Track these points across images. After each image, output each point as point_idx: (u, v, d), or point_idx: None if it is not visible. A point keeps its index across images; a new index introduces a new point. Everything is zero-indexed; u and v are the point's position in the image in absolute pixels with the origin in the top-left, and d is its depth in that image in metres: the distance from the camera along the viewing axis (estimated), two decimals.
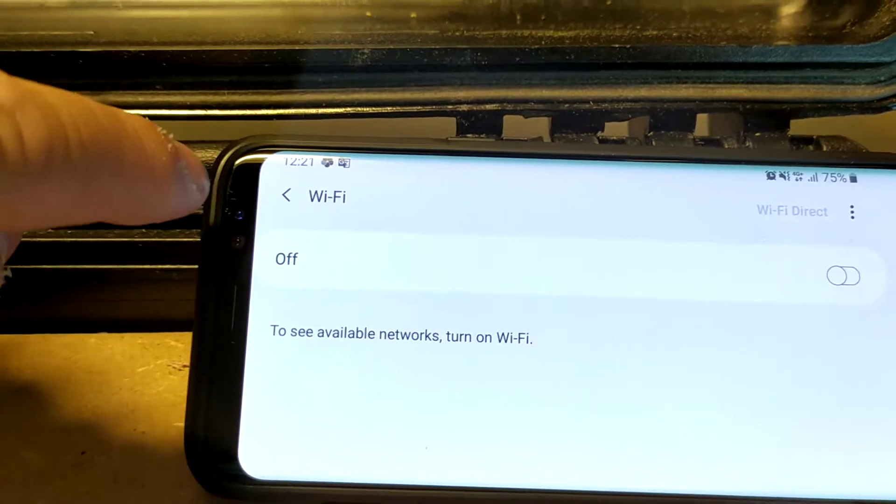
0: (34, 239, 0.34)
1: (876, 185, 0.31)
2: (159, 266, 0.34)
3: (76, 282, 0.34)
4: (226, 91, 0.35)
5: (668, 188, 0.31)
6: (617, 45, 0.36)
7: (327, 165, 0.31)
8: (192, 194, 0.26)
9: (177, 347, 0.34)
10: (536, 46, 0.36)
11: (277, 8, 0.41)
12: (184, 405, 0.29)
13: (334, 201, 0.31)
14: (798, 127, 0.37)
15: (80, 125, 0.20)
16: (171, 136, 0.24)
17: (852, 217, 0.31)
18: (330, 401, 0.29)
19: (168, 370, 0.33)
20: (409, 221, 0.31)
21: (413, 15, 0.41)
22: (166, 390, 0.33)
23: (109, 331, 0.34)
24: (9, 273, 0.24)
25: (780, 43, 0.38)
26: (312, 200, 0.31)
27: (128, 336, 0.34)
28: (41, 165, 0.19)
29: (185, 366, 0.33)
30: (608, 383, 0.30)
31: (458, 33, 0.38)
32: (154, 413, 0.32)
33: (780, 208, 0.31)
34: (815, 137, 0.36)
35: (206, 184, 0.27)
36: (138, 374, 0.33)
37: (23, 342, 0.34)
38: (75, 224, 0.22)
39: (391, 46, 0.35)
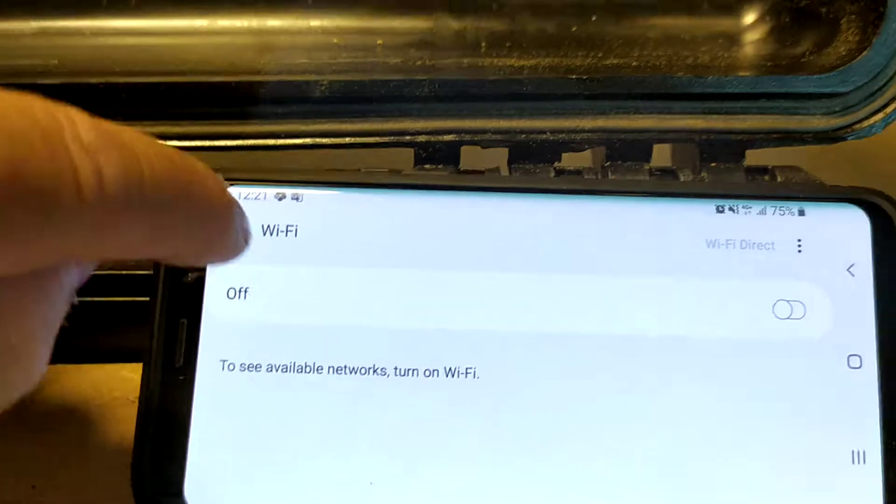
0: None
1: (823, 219, 0.31)
2: (114, 298, 0.34)
3: None
4: (185, 122, 0.36)
5: (618, 222, 0.31)
6: (573, 77, 0.36)
7: (280, 199, 0.31)
8: (241, 243, 0.26)
9: (132, 380, 0.34)
10: (494, 77, 0.36)
11: (247, 35, 0.42)
12: None
13: (286, 235, 0.31)
14: (755, 156, 0.37)
15: (155, 163, 0.21)
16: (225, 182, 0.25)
17: (799, 251, 0.31)
18: (277, 436, 0.30)
19: (123, 402, 0.33)
20: (359, 256, 0.31)
21: (380, 42, 0.41)
22: (121, 422, 0.33)
23: (65, 362, 0.35)
24: (76, 301, 0.24)
25: (739, 71, 0.38)
26: (265, 235, 0.31)
27: (84, 367, 0.35)
28: (118, 201, 0.20)
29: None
30: (554, 418, 0.30)
31: (419, 62, 0.39)
32: (107, 446, 0.32)
33: (729, 242, 0.31)
34: (770, 167, 0.36)
35: (251, 233, 0.27)
36: (93, 406, 0.33)
37: None
38: (140, 259, 0.23)
39: (350, 78, 0.36)
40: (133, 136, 0.21)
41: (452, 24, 0.42)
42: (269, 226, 0.31)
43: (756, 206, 0.32)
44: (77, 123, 0.20)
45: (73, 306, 0.24)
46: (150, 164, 0.21)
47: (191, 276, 0.30)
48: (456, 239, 0.31)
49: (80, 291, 0.34)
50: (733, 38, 0.42)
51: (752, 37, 0.41)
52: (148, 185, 0.21)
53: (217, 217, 0.24)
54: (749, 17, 0.42)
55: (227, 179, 0.30)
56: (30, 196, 0.19)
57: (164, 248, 0.23)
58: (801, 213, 0.32)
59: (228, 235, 0.25)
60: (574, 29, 0.42)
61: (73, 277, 0.24)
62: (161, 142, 0.22)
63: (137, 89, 0.35)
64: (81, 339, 0.33)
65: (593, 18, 0.42)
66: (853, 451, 0.30)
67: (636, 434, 0.30)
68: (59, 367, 0.34)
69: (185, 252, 0.24)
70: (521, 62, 0.39)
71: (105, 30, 0.42)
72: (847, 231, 0.31)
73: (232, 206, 0.25)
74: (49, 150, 0.19)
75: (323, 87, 0.35)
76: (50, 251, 0.20)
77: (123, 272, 0.34)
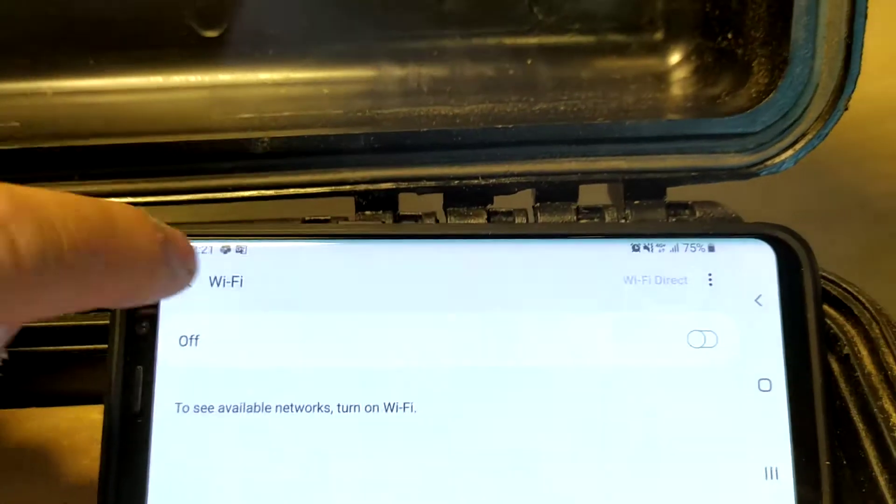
0: None
1: (732, 254, 0.34)
2: (80, 347, 0.36)
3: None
4: (138, 179, 0.38)
5: (543, 262, 0.34)
6: (500, 126, 0.38)
7: (226, 252, 0.33)
8: (181, 278, 0.27)
9: (100, 420, 0.36)
10: (427, 128, 0.38)
11: (199, 90, 0.44)
12: None
13: (232, 286, 0.33)
14: (676, 192, 0.39)
15: (73, 229, 0.21)
16: (161, 224, 0.25)
17: (710, 284, 0.34)
18: (230, 473, 0.32)
19: (91, 442, 0.35)
20: (301, 302, 0.33)
21: (325, 91, 0.44)
22: (89, 461, 0.35)
23: (35, 406, 0.36)
24: (5, 356, 0.26)
25: (661, 111, 0.41)
26: (212, 286, 0.33)
27: (54, 410, 0.36)
28: (35, 272, 0.20)
29: None
30: (488, 448, 0.32)
31: (359, 113, 0.41)
32: (76, 484, 0.34)
33: (644, 278, 0.34)
34: (689, 203, 0.38)
35: (195, 265, 0.27)
36: (65, 447, 0.35)
37: None
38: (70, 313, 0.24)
39: (290, 134, 0.38)
40: (48, 199, 0.21)
41: (396, 71, 0.44)
42: (216, 277, 0.33)
43: (669, 243, 0.34)
44: None
45: (3, 360, 0.26)
46: (67, 230, 0.21)
47: (144, 328, 0.32)
48: (391, 282, 0.33)
49: (49, 340, 0.36)
50: (660, 77, 0.44)
51: (676, 76, 0.44)
52: (66, 251, 0.21)
53: (143, 267, 0.24)
54: (675, 57, 0.44)
55: None
56: None
57: (94, 301, 0.24)
58: (712, 249, 0.34)
59: (157, 280, 0.25)
60: (511, 72, 0.44)
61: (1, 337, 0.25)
62: (81, 198, 0.23)
63: (94, 151, 0.37)
64: (48, 384, 0.36)
65: (529, 62, 0.44)
66: (766, 468, 0.32)
67: (565, 461, 0.32)
68: (30, 409, 0.36)
69: (117, 299, 0.25)
70: (458, 110, 0.41)
71: (65, 90, 0.44)
72: (754, 264, 0.34)
73: (161, 252, 0.25)
74: None
75: (264, 144, 0.37)
76: None
77: (84, 322, 0.36)
